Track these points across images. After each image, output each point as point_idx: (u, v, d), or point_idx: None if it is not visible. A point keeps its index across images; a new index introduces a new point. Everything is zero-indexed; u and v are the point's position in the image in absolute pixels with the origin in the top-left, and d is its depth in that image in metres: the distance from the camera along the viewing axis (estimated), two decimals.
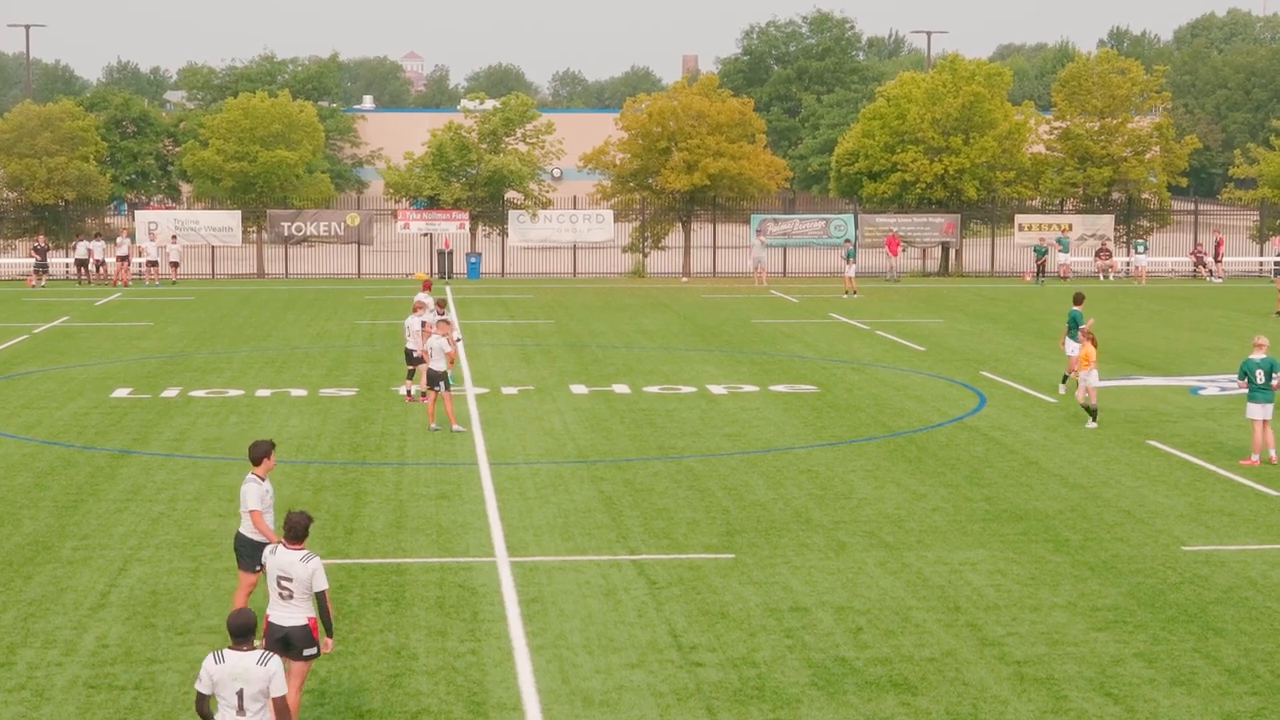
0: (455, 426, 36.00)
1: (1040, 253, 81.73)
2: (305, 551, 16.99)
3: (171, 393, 41.95)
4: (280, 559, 17.02)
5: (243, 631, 14.58)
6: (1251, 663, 19.99)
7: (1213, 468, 32.26)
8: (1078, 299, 42.48)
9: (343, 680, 19.24)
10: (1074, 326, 41.19)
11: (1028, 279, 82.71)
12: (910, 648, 20.54)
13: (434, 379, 35.98)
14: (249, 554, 20.21)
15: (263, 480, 20.37)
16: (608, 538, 26.37)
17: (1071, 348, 41.20)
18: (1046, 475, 31.57)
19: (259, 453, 20.54)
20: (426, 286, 41.95)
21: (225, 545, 25.66)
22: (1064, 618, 21.87)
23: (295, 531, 17.05)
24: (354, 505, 28.43)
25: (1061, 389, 41.62)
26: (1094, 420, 36.94)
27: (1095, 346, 37.27)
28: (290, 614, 16.93)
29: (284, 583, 16.90)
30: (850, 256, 74.34)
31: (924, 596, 22.91)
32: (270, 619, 17.03)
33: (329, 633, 17.15)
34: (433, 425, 36.19)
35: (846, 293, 72.30)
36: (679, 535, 26.56)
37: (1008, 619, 21.80)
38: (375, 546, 25.76)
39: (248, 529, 20.36)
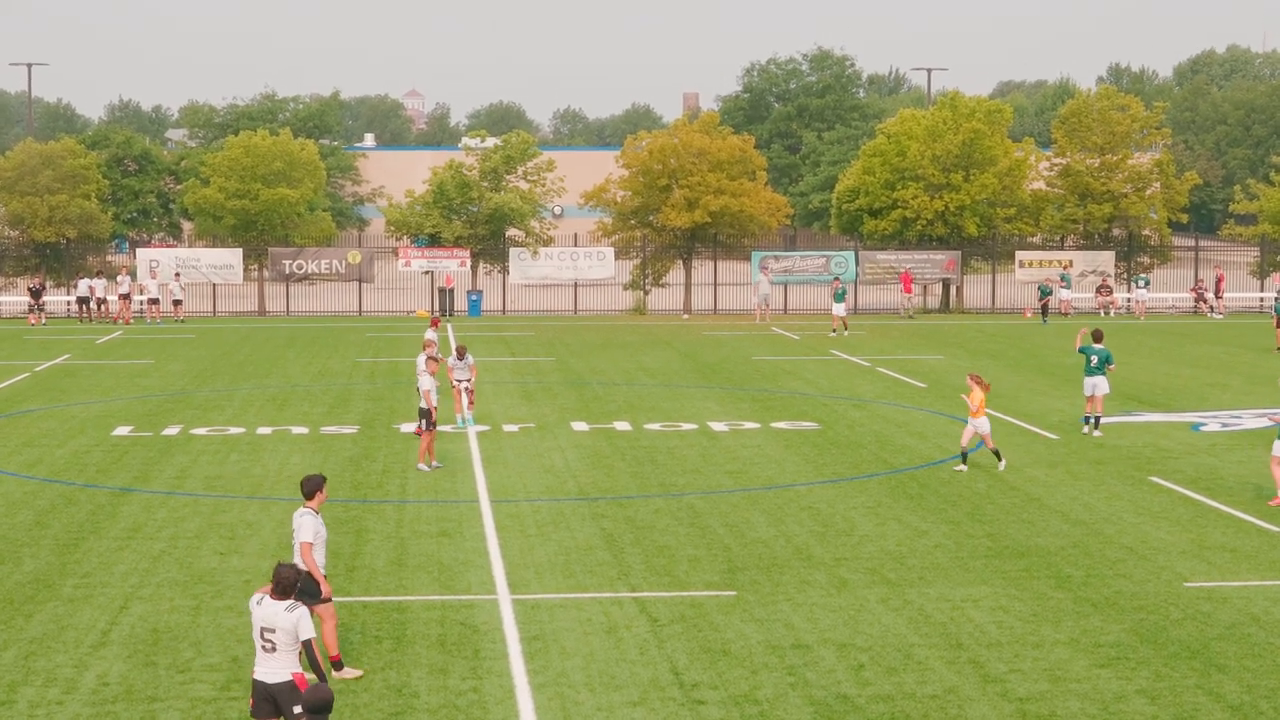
0: (420, 465, 36.07)
1: (1045, 293, 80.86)
2: (290, 602, 16.76)
3: (173, 430, 41.94)
4: (265, 610, 16.80)
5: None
6: (1255, 699, 19.96)
7: (1215, 504, 32.22)
8: (1098, 337, 42.05)
9: (344, 719, 19.20)
10: (1102, 364, 41.13)
11: (1028, 315, 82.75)
12: (912, 685, 20.50)
13: (422, 415, 36.18)
14: (311, 588, 20.62)
15: (317, 514, 20.93)
16: (609, 575, 26.34)
17: (1088, 386, 41.31)
18: (1048, 512, 31.54)
19: (312, 487, 21.16)
20: (435, 324, 41.91)
21: (227, 583, 25.67)
22: (1066, 654, 21.84)
23: (282, 585, 16.78)
24: (355, 543, 28.41)
25: (1086, 429, 41.31)
26: (1001, 460, 36.46)
27: (986, 391, 36.28)
28: (274, 669, 16.59)
29: (267, 634, 16.65)
30: (839, 296, 73.14)
31: (926, 633, 22.88)
32: (255, 676, 16.73)
33: (320, 679, 16.80)
34: (428, 464, 36.18)
35: (834, 330, 71.88)
36: (680, 572, 26.53)
37: (1010, 656, 21.76)
38: (376, 584, 25.74)
39: (297, 560, 20.79)
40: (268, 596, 16.87)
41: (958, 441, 40.13)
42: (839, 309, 72.52)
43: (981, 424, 35.93)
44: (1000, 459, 36.27)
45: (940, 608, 24.26)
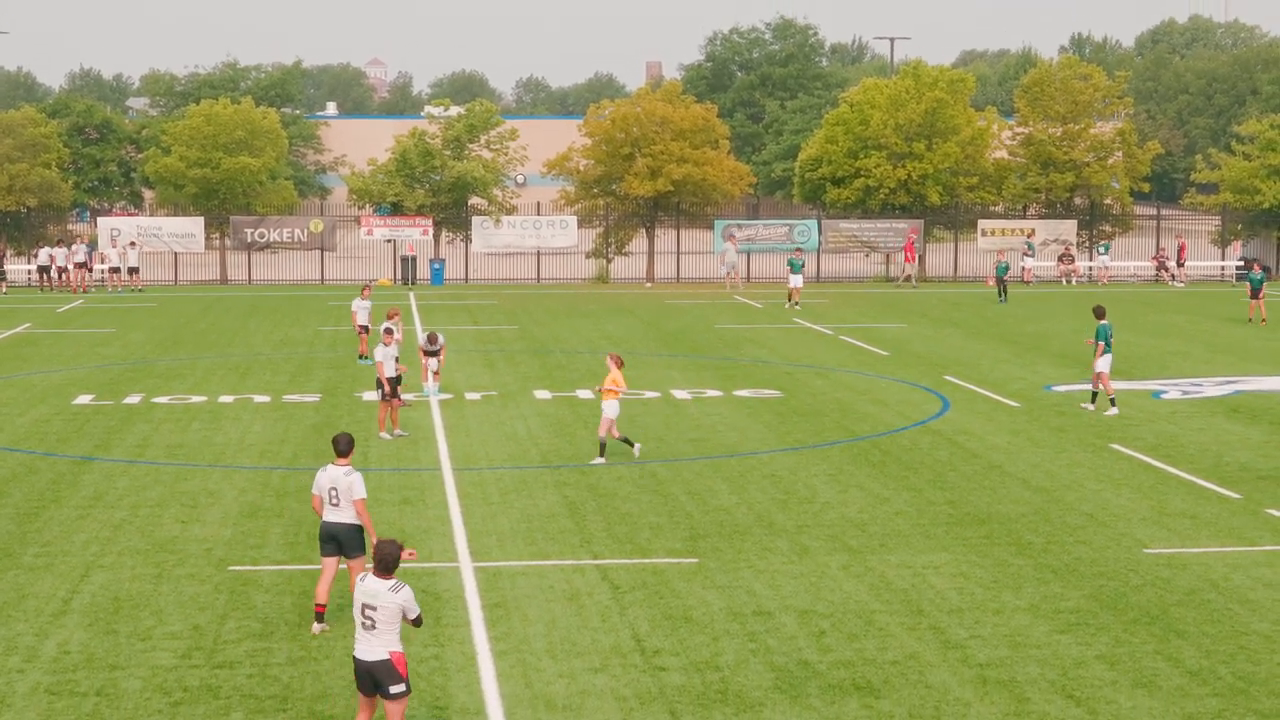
0: (381, 434, 36.04)
1: (1002, 270, 75.10)
2: (395, 581, 16.54)
3: (134, 399, 41.83)
4: (367, 587, 16.59)
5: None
6: (1213, 664, 20.06)
7: (1175, 471, 32.35)
8: (1100, 313, 40.85)
9: (305, 687, 19.20)
10: (1103, 339, 39.57)
11: (990, 283, 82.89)
12: (873, 651, 20.56)
13: (380, 385, 36.19)
14: (356, 540, 21.37)
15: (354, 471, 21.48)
16: (571, 542, 26.36)
17: (1101, 364, 39.64)
18: (1009, 479, 31.64)
19: (347, 444, 21.52)
20: (392, 315, 41.51)
21: (188, 552, 25.64)
22: (1026, 620, 21.92)
23: (385, 563, 16.54)
24: None
25: (1089, 406, 40.08)
26: (635, 446, 33.49)
27: (620, 369, 33.35)
28: (372, 647, 16.43)
29: (368, 611, 16.47)
30: (797, 267, 71.18)
31: (887, 600, 22.94)
32: (355, 655, 16.64)
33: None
34: (390, 433, 36.17)
35: (790, 301, 69.69)
36: (642, 540, 26.56)
37: (970, 622, 21.84)
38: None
39: (346, 516, 21.32)
40: (370, 574, 16.65)
41: (919, 409, 40.23)
42: (796, 280, 70.46)
43: (610, 408, 33.03)
44: (633, 445, 33.50)
45: (901, 574, 24.33)
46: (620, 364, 33.35)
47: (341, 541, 21.39)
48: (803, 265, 72.39)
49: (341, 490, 21.35)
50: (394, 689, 16.34)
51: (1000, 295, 72.58)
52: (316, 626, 21.38)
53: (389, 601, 16.41)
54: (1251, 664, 20.09)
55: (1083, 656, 20.35)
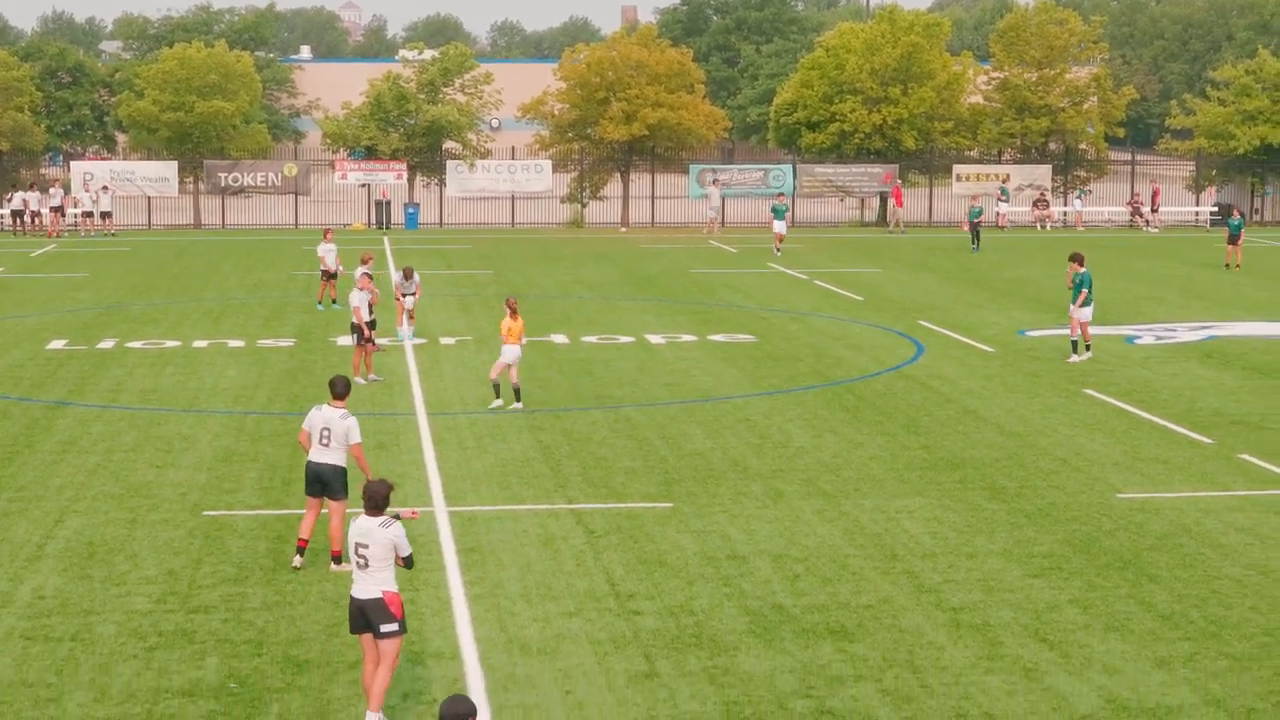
0: (356, 379, 35.76)
1: (975, 214, 73.21)
2: (385, 518, 16.56)
3: (108, 344, 41.74)
4: (359, 526, 16.61)
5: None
6: (1185, 608, 20.15)
7: (1148, 416, 32.44)
8: (1080, 259, 40.16)
9: (280, 631, 19.23)
10: (1082, 288, 38.93)
11: (964, 228, 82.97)
12: (847, 595, 20.63)
13: (354, 330, 36.12)
14: (340, 483, 21.57)
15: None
16: (545, 487, 26.39)
17: (1081, 313, 38.97)
18: (983, 423, 31.71)
19: (344, 386, 21.70)
20: (366, 259, 41.34)
21: (163, 496, 25.62)
22: (1000, 564, 22.00)
23: (376, 501, 16.61)
24: (292, 456, 28.28)
25: (1073, 358, 39.08)
26: (518, 400, 32.92)
27: (516, 319, 32.37)
28: (366, 586, 16.43)
29: (361, 550, 16.48)
30: (780, 212, 70.12)
31: (861, 544, 23.00)
32: (351, 594, 16.63)
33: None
34: (365, 378, 36.03)
35: (778, 249, 68.43)
36: (617, 484, 26.59)
37: (944, 566, 21.91)
38: None
39: (334, 458, 21.50)
40: (363, 514, 16.67)
41: (893, 354, 40.29)
42: (779, 225, 69.48)
43: (509, 352, 32.43)
44: (518, 398, 32.98)
45: (875, 519, 24.40)
46: (514, 310, 32.50)
47: (327, 482, 21.49)
48: (786, 211, 71.76)
49: (336, 433, 21.43)
50: (385, 627, 16.34)
51: (974, 243, 71.51)
52: (297, 559, 21.63)
53: (380, 538, 16.43)
54: (1223, 608, 20.19)
55: (1055, 601, 20.43)
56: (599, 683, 17.63)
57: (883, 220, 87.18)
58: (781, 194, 78.29)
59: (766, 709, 16.91)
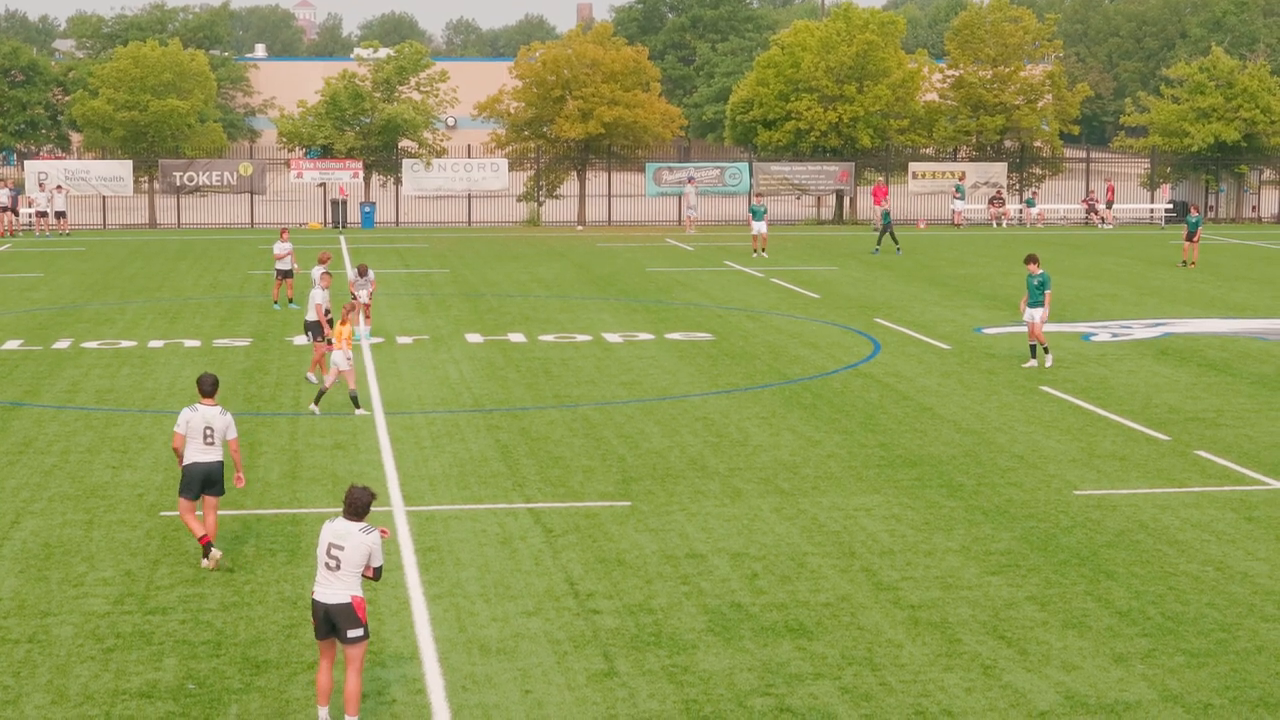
0: (309, 375, 35.56)
1: (886, 218, 69.76)
2: (365, 524, 16.42)
3: (63, 344, 41.56)
4: (336, 527, 16.44)
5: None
6: (1142, 605, 20.22)
7: (1104, 413, 32.54)
8: (1035, 260, 39.23)
9: (239, 631, 19.17)
10: (1038, 290, 38.01)
11: (921, 226, 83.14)
12: (806, 593, 20.65)
13: (309, 328, 36.03)
14: (221, 479, 21.79)
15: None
16: (504, 486, 26.37)
17: (1030, 314, 37.97)
18: (940, 421, 31.77)
19: (212, 384, 22.03)
20: (323, 259, 41.17)
21: (119, 497, 25.51)
22: (958, 562, 22.05)
23: (357, 507, 16.39)
24: (249, 456, 28.22)
25: (1031, 362, 38.16)
26: (359, 407, 32.08)
27: (347, 322, 31.49)
28: (334, 590, 16.28)
29: (334, 551, 16.30)
30: (759, 213, 67.88)
31: (819, 542, 23.03)
32: (314, 595, 16.47)
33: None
34: (317, 376, 35.80)
35: (755, 251, 66.75)
36: (575, 483, 26.58)
37: (902, 564, 21.95)
38: (270, 497, 25.67)
39: (219, 454, 21.69)
40: (341, 517, 16.50)
41: (850, 351, 40.34)
42: (759, 226, 67.26)
43: (339, 358, 31.48)
44: (357, 406, 32.16)
45: (833, 517, 24.43)
46: (346, 316, 31.61)
47: (216, 480, 21.75)
48: (765, 212, 69.33)
49: (218, 430, 21.65)
50: (351, 633, 16.24)
51: (877, 245, 69.20)
52: (216, 554, 21.63)
53: (359, 542, 16.31)
54: (1180, 604, 20.27)
55: (1013, 598, 20.49)
56: (558, 682, 17.62)
57: (839, 219, 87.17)
58: (760, 194, 78.13)
59: (726, 707, 16.93)
